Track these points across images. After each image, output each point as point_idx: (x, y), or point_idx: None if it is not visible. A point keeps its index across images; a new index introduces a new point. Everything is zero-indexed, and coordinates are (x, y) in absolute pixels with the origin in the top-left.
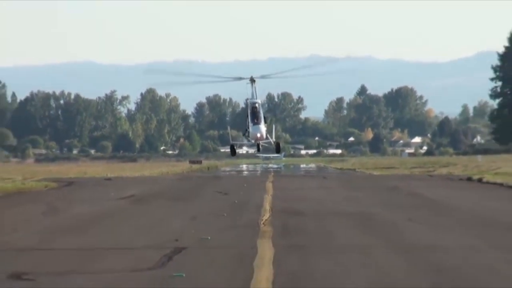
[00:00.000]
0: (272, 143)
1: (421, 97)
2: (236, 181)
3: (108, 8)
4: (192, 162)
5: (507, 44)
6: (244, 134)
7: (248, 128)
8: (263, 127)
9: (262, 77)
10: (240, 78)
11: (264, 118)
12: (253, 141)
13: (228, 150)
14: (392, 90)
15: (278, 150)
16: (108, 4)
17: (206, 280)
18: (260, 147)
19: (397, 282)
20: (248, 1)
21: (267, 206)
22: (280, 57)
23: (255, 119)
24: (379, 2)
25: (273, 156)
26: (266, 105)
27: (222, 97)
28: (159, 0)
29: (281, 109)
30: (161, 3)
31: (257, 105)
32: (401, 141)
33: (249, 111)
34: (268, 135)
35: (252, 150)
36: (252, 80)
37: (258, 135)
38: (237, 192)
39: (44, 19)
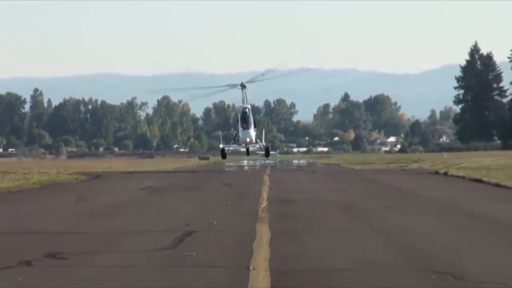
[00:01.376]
0: (262, 147)
1: (395, 103)
2: (238, 175)
3: (130, 29)
4: (201, 158)
5: (468, 58)
6: (234, 139)
7: (238, 132)
8: (252, 132)
9: (249, 81)
10: (233, 86)
11: (254, 123)
12: (243, 145)
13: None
14: (371, 97)
15: (267, 154)
16: (130, 26)
17: (213, 258)
18: (249, 150)
19: (376, 259)
20: (247, 22)
21: (264, 195)
22: (276, 69)
23: (245, 124)
24: (362, 25)
25: (272, 154)
26: (264, 110)
27: (226, 103)
28: (173, 23)
29: (276, 113)
30: (175, 26)
31: (247, 110)
32: (378, 141)
33: (239, 116)
34: (257, 139)
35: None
36: (243, 86)
37: (248, 139)
38: (239, 184)
39: (77, 36)
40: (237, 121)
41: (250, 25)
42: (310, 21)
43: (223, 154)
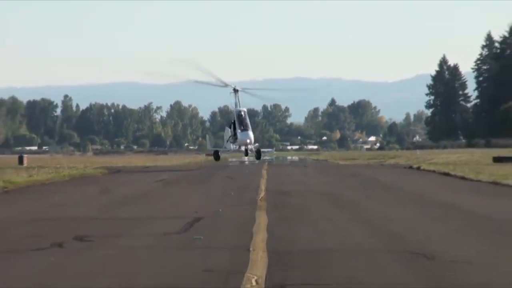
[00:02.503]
0: (253, 148)
1: (375, 108)
2: (240, 169)
3: (147, 43)
4: (207, 155)
5: (437, 68)
6: (227, 141)
7: (236, 134)
8: (251, 133)
9: (243, 90)
10: (226, 85)
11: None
12: (242, 147)
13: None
14: (354, 102)
15: (258, 156)
16: (146, 40)
17: (218, 241)
18: (249, 151)
19: (359, 242)
20: (245, 35)
21: (262, 187)
22: (272, 78)
23: (243, 126)
24: (346, 40)
25: (266, 151)
26: (262, 113)
27: (229, 107)
28: (185, 40)
29: (273, 116)
30: (186, 41)
31: (242, 113)
32: (361, 140)
33: (236, 119)
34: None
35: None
36: (236, 90)
37: (248, 140)
38: (240, 177)
39: (101, 51)
40: (232, 123)
41: (248, 38)
42: (302, 37)
43: (217, 156)
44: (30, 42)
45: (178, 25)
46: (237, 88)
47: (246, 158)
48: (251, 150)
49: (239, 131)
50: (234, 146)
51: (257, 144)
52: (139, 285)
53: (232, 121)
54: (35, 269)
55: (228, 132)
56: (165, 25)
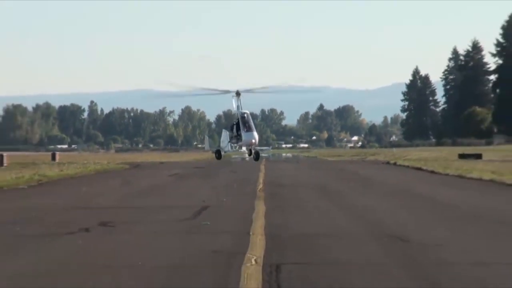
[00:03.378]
0: (252, 150)
1: (358, 111)
2: (242, 165)
3: (164, 53)
4: (213, 152)
5: (411, 78)
6: (228, 142)
7: (240, 135)
8: (256, 134)
9: (247, 91)
10: (228, 91)
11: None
12: (248, 147)
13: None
14: (339, 107)
15: (257, 158)
16: (164, 51)
17: (223, 226)
18: (252, 151)
19: (342, 226)
20: (245, 44)
21: (261, 180)
22: (269, 85)
23: (247, 127)
24: (334, 52)
25: (264, 149)
26: (260, 116)
27: (232, 111)
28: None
29: (270, 118)
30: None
31: (245, 115)
32: (345, 139)
33: (239, 120)
34: None
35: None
36: (238, 94)
37: (253, 140)
38: (242, 171)
39: (121, 61)
40: (235, 125)
41: (249, 49)
42: (295, 50)
43: (219, 155)
44: (61, 54)
45: (182, 38)
46: (239, 91)
47: (246, 155)
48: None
49: (244, 131)
50: (235, 146)
51: (257, 148)
52: (155, 264)
53: (234, 122)
54: (67, 249)
55: (226, 134)
56: (177, 37)
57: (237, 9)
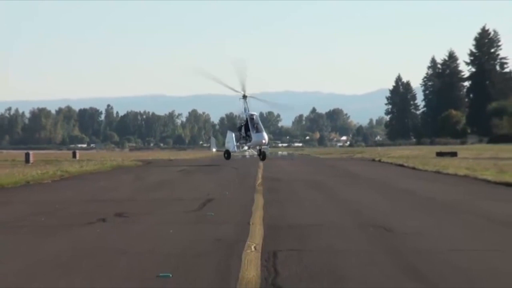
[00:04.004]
0: (260, 151)
1: (346, 114)
2: (242, 162)
3: (176, 61)
4: (217, 151)
5: (394, 84)
6: (238, 142)
7: (249, 136)
8: (265, 134)
9: (251, 96)
10: (236, 91)
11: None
12: (257, 147)
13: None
14: (330, 110)
15: (264, 157)
16: (176, 60)
17: (226, 216)
18: (262, 151)
19: (332, 217)
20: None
21: (259, 175)
22: (267, 91)
23: (257, 128)
24: (325, 62)
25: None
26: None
27: (234, 114)
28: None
29: (268, 120)
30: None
31: (254, 116)
32: (335, 139)
33: (248, 121)
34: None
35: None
36: (244, 97)
37: (263, 141)
38: (243, 168)
39: (135, 69)
40: (244, 126)
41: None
42: (289, 58)
43: (229, 155)
44: (81, 62)
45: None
46: (246, 95)
47: (247, 153)
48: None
49: (253, 132)
50: (243, 146)
51: (264, 148)
52: (165, 250)
53: (243, 124)
54: (87, 237)
55: (232, 135)
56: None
57: (238, 14)
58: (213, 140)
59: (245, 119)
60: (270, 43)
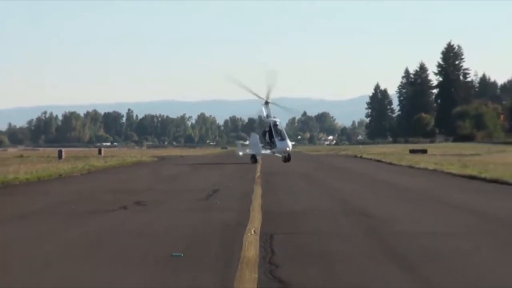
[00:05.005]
0: (283, 152)
1: (332, 117)
2: (244, 158)
3: (188, 67)
4: (223, 148)
5: (373, 91)
6: (264, 146)
7: (273, 142)
8: (289, 142)
9: (272, 102)
10: (259, 97)
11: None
12: (281, 153)
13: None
14: (319, 113)
15: (288, 159)
16: (189, 66)
17: (230, 204)
18: (287, 156)
19: (320, 204)
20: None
21: (258, 169)
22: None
23: (280, 135)
24: (315, 69)
25: (261, 146)
26: (257, 121)
27: (236, 117)
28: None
29: (265, 123)
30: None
31: (278, 122)
32: (323, 138)
33: (272, 128)
34: None
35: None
36: (266, 103)
37: (287, 149)
38: (244, 163)
39: (150, 76)
40: (267, 132)
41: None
42: (284, 68)
43: (255, 159)
44: (105, 71)
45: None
46: (268, 101)
47: (248, 151)
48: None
49: (277, 139)
50: (267, 150)
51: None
52: (178, 233)
53: (266, 130)
54: (110, 222)
55: (257, 138)
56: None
57: (236, 26)
58: (239, 144)
59: (269, 125)
60: (267, 55)
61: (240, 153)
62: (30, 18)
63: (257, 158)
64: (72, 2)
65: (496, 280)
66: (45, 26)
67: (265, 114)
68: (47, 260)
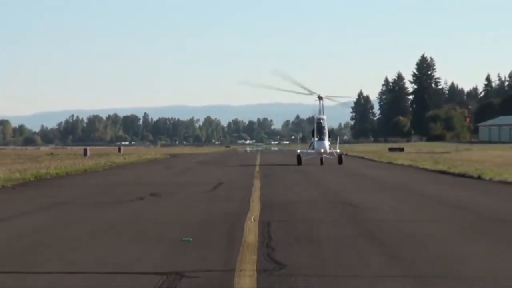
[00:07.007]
0: (335, 154)
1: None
2: (245, 155)
3: (195, 73)
4: (226, 147)
5: (357, 97)
6: (309, 146)
7: (313, 142)
8: (326, 143)
9: (326, 97)
10: (312, 93)
11: (329, 132)
12: (317, 154)
13: (244, 142)
14: (310, 116)
15: (340, 161)
16: (196, 71)
17: (232, 196)
18: (323, 160)
19: (312, 196)
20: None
21: (257, 164)
22: (263, 103)
23: (320, 134)
24: (308, 78)
25: (259, 145)
26: (257, 122)
27: (238, 120)
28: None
29: (263, 124)
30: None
31: (321, 120)
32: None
33: (315, 126)
34: (332, 147)
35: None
36: (320, 98)
37: (322, 150)
38: (245, 160)
39: (165, 82)
40: (312, 131)
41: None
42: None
43: (299, 160)
44: (125, 79)
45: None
46: (321, 95)
47: (248, 149)
48: (336, 154)
49: (316, 139)
50: (312, 152)
51: (339, 151)
52: (187, 221)
53: (314, 127)
54: (129, 211)
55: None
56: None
57: (235, 32)
58: (299, 140)
59: (316, 122)
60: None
61: (298, 151)
62: (53, 38)
63: (303, 159)
64: (97, 20)
65: (459, 253)
66: (71, 45)
67: (317, 110)
68: (80, 240)
